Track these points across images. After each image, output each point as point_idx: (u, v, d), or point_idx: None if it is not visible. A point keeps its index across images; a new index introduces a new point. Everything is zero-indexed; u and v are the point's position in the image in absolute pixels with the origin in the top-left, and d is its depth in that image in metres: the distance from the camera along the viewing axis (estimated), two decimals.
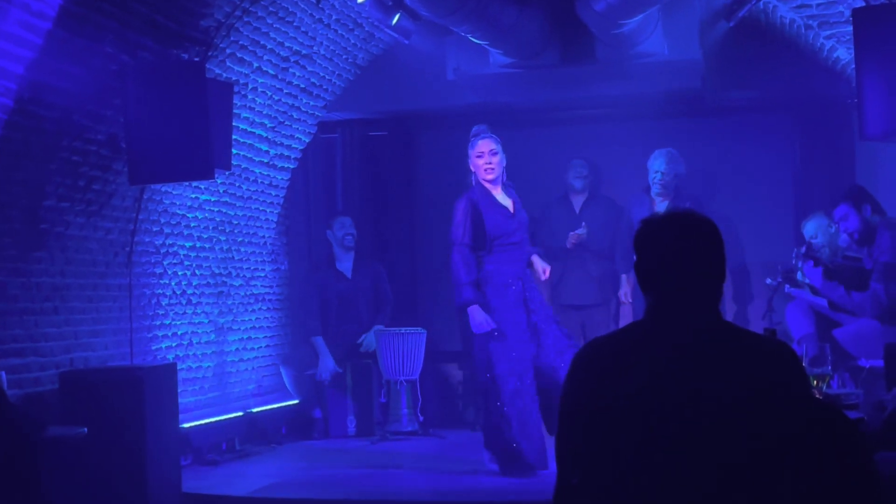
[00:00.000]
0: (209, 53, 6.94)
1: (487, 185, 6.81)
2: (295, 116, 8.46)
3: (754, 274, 8.61)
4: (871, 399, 5.20)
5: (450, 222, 6.82)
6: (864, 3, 6.06)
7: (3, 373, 5.67)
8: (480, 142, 6.79)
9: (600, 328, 8.34)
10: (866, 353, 6.68)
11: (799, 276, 7.26)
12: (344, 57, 8.45)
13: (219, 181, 7.76)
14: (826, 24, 7.42)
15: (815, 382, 4.78)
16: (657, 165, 8.27)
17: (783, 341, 2.66)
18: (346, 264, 8.79)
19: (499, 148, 6.81)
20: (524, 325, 6.68)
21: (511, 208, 6.81)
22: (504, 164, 6.85)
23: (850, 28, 5.97)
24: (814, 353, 4.98)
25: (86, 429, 5.64)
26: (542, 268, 6.95)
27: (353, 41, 8.35)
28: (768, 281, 7.56)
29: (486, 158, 6.76)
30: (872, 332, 6.75)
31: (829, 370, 4.92)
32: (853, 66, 5.96)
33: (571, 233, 8.50)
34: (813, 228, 7.51)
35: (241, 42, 7.21)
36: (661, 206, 8.23)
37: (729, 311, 8.55)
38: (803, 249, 7.32)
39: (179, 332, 7.64)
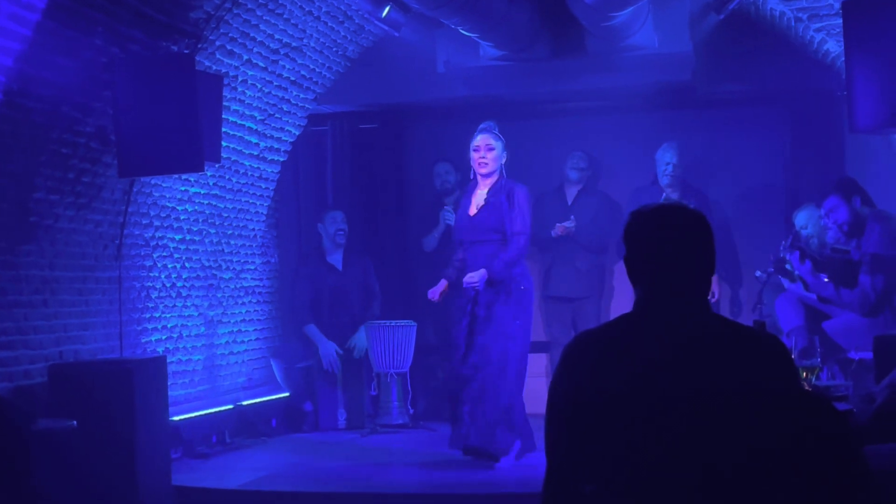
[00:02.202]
0: (199, 46, 6.92)
1: (479, 180, 6.93)
2: (285, 109, 8.45)
3: (744, 266, 8.63)
4: (860, 391, 5.22)
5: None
6: None
7: None
8: (480, 136, 6.91)
9: (590, 320, 8.36)
10: (856, 346, 6.70)
11: (788, 266, 7.27)
12: (334, 49, 8.44)
13: (208, 174, 7.74)
14: (816, 17, 7.42)
15: (804, 374, 4.81)
16: (668, 157, 8.32)
17: (773, 334, 2.67)
18: (336, 257, 8.79)
19: (497, 145, 6.87)
20: (462, 329, 6.83)
21: (475, 209, 6.86)
22: (503, 161, 6.90)
23: (840, 20, 5.98)
24: (803, 346, 5.01)
25: (75, 422, 5.64)
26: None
27: (343, 33, 8.33)
28: (758, 273, 7.57)
29: (481, 153, 6.88)
30: (861, 325, 6.77)
31: (819, 362, 4.95)
32: (843, 58, 5.96)
33: (559, 224, 8.51)
34: (804, 219, 7.53)
35: (230, 34, 7.19)
36: (672, 197, 8.24)
37: (727, 309, 8.57)
38: (790, 239, 7.34)
39: (169, 325, 7.63)
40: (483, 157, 6.85)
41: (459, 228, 7.05)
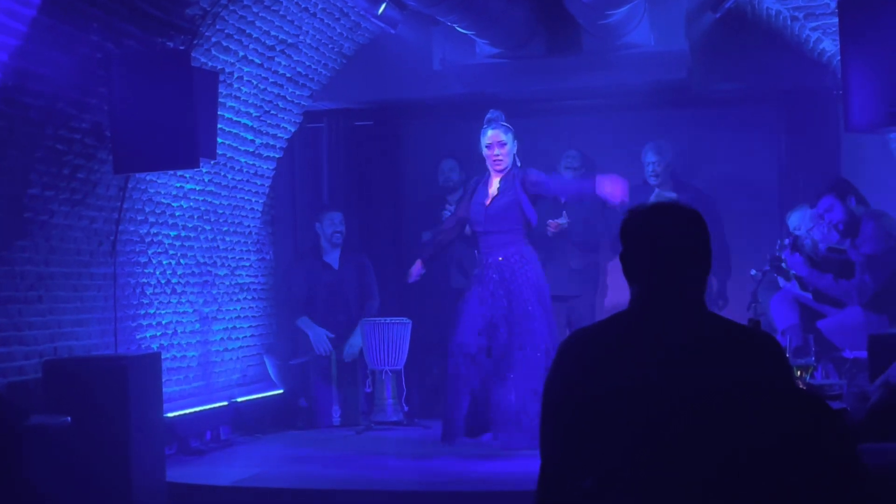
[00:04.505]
0: (194, 42, 6.91)
1: (493, 173, 7.06)
2: (280, 106, 8.44)
3: (739, 265, 8.63)
4: (854, 390, 5.22)
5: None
6: None
7: None
8: (491, 132, 7.00)
9: (584, 319, 8.36)
10: (850, 345, 6.71)
11: (783, 265, 7.29)
12: (330, 46, 8.43)
13: (204, 170, 7.74)
14: (812, 16, 7.43)
15: (798, 373, 4.80)
16: (648, 157, 8.43)
17: (767, 332, 2.67)
18: (332, 256, 8.78)
19: (508, 138, 7.00)
20: (478, 316, 6.98)
21: (489, 199, 6.94)
22: (514, 151, 7.06)
23: (836, 20, 5.99)
24: (798, 344, 5.00)
25: (70, 418, 5.63)
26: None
27: (339, 30, 8.33)
28: (753, 272, 7.59)
29: (495, 150, 6.98)
30: (856, 324, 6.78)
31: (813, 361, 4.94)
32: (839, 57, 5.97)
33: (551, 220, 8.50)
34: (797, 220, 7.54)
35: (226, 31, 7.18)
36: (664, 195, 8.27)
37: (713, 301, 8.56)
38: (788, 241, 7.35)
39: (164, 322, 7.63)
40: (497, 156, 6.98)
41: (476, 220, 7.12)
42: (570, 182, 7.07)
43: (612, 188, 6.78)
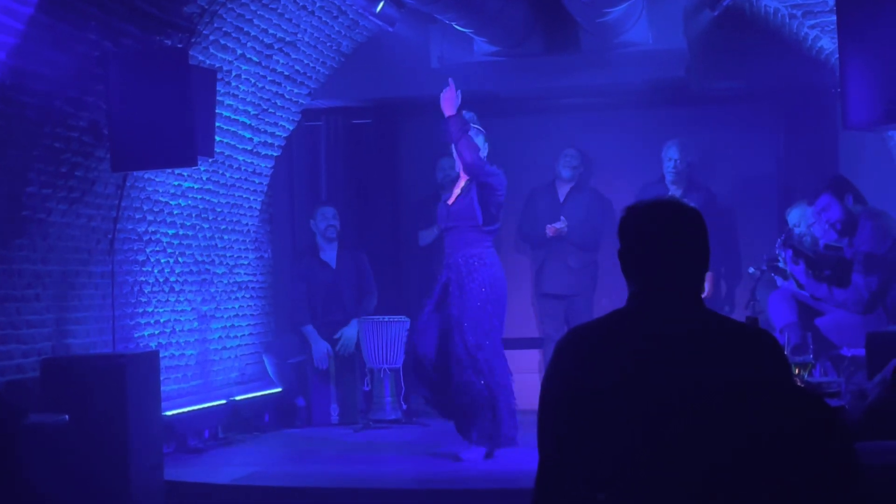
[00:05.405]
0: (192, 40, 6.91)
1: (461, 173, 6.95)
2: (279, 104, 8.44)
3: (737, 263, 8.64)
4: (853, 388, 5.22)
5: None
6: None
7: None
8: None
9: (582, 317, 8.36)
10: (848, 343, 6.71)
11: (780, 263, 7.29)
12: (328, 44, 8.43)
13: (202, 168, 7.74)
14: (810, 14, 7.43)
15: (797, 371, 4.81)
16: (671, 154, 8.39)
17: (765, 330, 2.67)
18: (329, 254, 8.77)
19: (479, 141, 6.85)
20: (430, 312, 6.94)
21: (454, 198, 6.91)
22: (484, 154, 6.84)
23: (834, 17, 5.99)
24: (796, 342, 5.00)
25: (67, 416, 5.63)
26: None
27: (337, 29, 8.32)
28: (751, 270, 7.59)
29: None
30: (854, 322, 6.78)
31: (811, 359, 4.95)
32: (837, 55, 5.97)
33: (549, 225, 8.50)
34: (796, 217, 7.55)
35: (224, 29, 7.18)
36: (675, 193, 8.27)
37: (720, 304, 8.57)
38: (783, 237, 7.36)
39: (162, 320, 7.63)
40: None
41: (440, 216, 7.10)
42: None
43: (443, 103, 6.77)
